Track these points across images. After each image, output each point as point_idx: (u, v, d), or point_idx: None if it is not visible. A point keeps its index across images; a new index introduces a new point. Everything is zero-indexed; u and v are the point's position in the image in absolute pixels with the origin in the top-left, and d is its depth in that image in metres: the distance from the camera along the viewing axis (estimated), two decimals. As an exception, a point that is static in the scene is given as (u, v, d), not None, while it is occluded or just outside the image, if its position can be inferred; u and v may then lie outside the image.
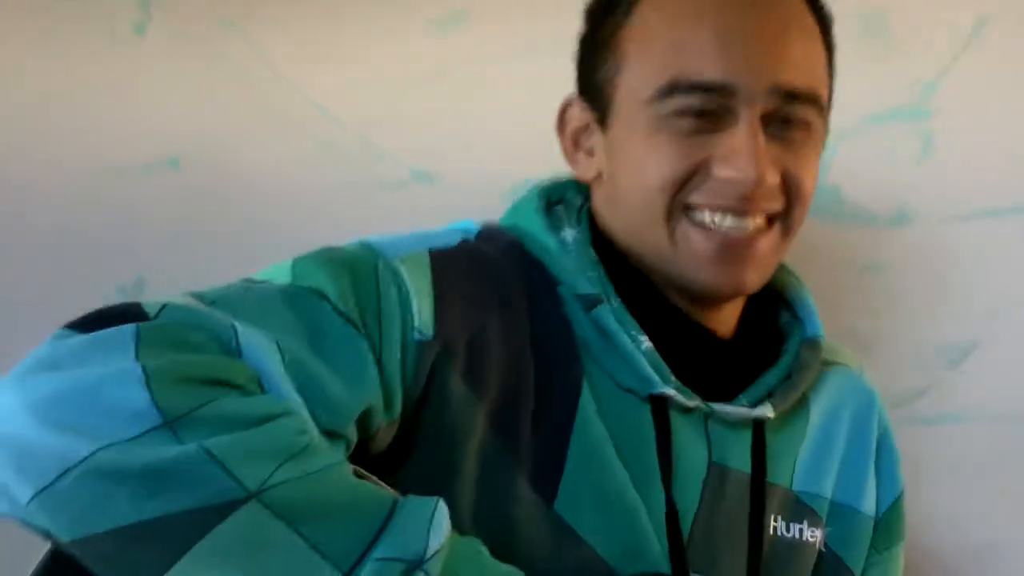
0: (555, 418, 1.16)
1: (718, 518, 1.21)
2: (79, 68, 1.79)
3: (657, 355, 1.20)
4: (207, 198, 1.80)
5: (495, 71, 1.77)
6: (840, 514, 1.31)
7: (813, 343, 1.31)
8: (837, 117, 1.81)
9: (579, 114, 1.27)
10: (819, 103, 1.21)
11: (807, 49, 1.21)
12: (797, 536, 1.26)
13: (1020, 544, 1.80)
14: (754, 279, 1.22)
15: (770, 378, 1.27)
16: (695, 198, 1.18)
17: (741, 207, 1.17)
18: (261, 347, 0.97)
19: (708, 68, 1.16)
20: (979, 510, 1.81)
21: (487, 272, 1.19)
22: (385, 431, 1.08)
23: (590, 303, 1.19)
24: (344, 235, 1.73)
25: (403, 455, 1.10)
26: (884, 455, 1.38)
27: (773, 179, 1.17)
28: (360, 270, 1.10)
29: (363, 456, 1.06)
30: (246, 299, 1.04)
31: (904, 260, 1.83)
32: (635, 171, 1.20)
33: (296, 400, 0.97)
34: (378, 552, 0.90)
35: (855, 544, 1.32)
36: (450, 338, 1.11)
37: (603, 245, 1.25)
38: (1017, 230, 1.81)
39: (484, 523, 1.08)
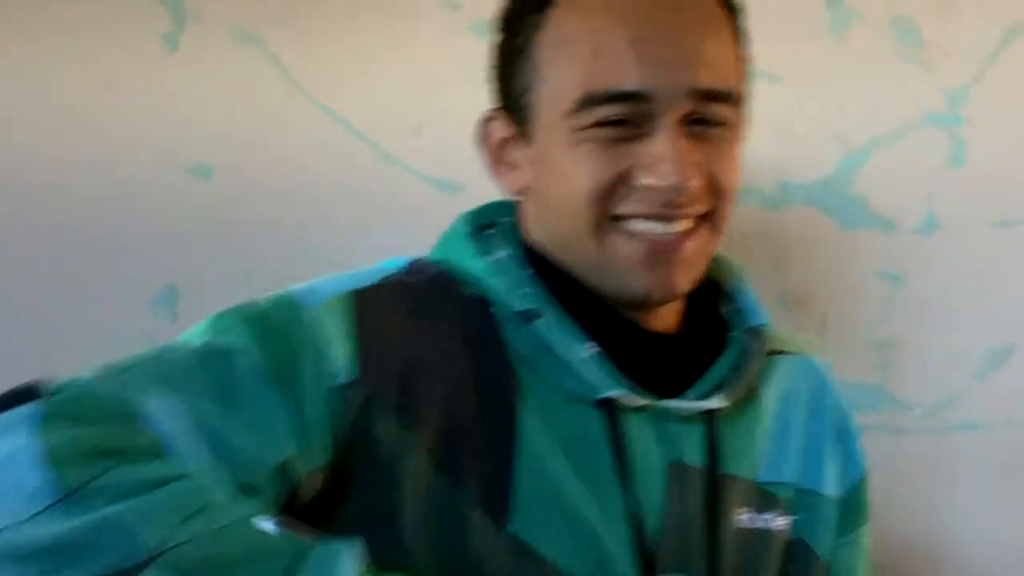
0: (497, 440, 1.15)
1: (687, 516, 1.21)
2: (115, 81, 1.81)
3: (602, 359, 1.19)
4: (236, 207, 1.81)
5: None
6: (804, 500, 1.30)
7: (757, 332, 1.29)
8: (868, 125, 1.84)
9: (500, 127, 1.25)
10: (735, 101, 1.19)
11: (720, 46, 1.19)
12: (765, 527, 1.26)
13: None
14: (684, 281, 1.21)
15: (719, 369, 1.26)
16: (622, 208, 1.16)
17: (667, 213, 1.16)
18: (164, 412, 1.00)
19: (623, 77, 1.14)
20: (1008, 517, 1.80)
21: (415, 306, 1.19)
22: (313, 478, 1.08)
23: (527, 318, 1.20)
24: (367, 245, 1.76)
25: (339, 499, 1.10)
26: (845, 436, 1.37)
27: (697, 183, 1.16)
28: (274, 324, 1.12)
29: (297, 504, 1.08)
30: (157, 365, 1.06)
31: (932, 268, 1.83)
32: (560, 184, 1.19)
33: (203, 460, 0.99)
34: None
35: (820, 528, 1.32)
36: (377, 379, 1.12)
37: (537, 259, 1.24)
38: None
39: (442, 557, 1.11)
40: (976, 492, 1.82)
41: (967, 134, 1.82)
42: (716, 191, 1.19)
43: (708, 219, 1.20)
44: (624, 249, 1.18)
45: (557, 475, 1.16)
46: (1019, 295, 1.81)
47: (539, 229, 1.25)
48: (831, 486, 1.32)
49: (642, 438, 1.20)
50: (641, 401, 1.20)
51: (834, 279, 1.83)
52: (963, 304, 1.82)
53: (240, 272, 1.78)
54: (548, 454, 1.16)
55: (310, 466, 1.07)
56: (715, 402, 1.23)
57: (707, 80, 1.16)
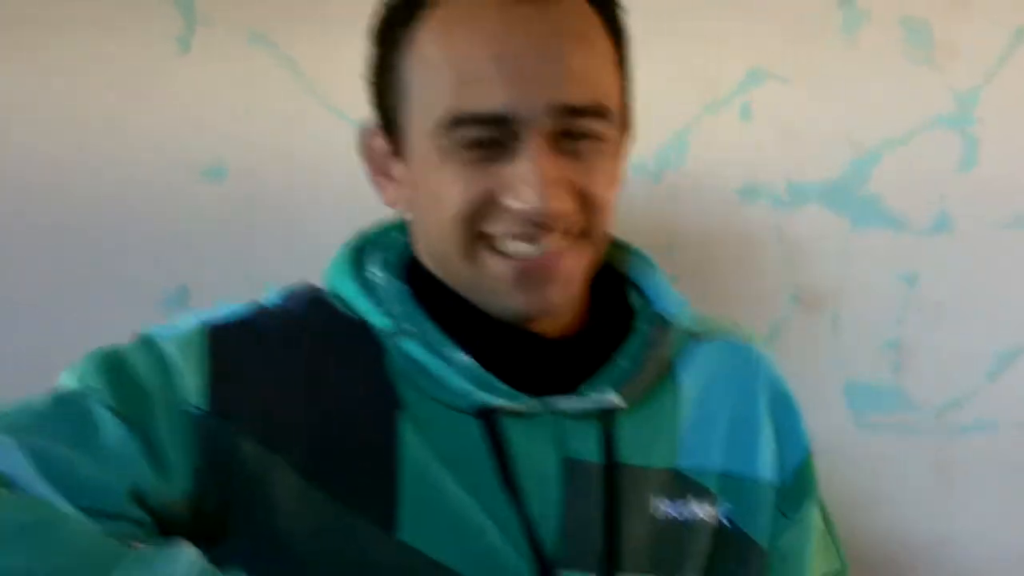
0: (378, 453, 1.18)
1: (588, 513, 1.20)
2: (130, 83, 1.82)
3: (479, 368, 1.19)
4: (249, 209, 1.82)
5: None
6: (735, 486, 1.28)
7: (661, 320, 1.28)
8: (879, 126, 1.84)
9: (378, 141, 1.24)
10: (605, 114, 1.16)
11: (589, 58, 1.16)
12: (685, 515, 1.24)
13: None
14: (559, 298, 1.20)
15: (622, 362, 1.24)
16: (490, 228, 1.16)
17: (534, 234, 1.15)
18: (8, 452, 1.09)
19: (484, 99, 1.13)
20: (1017, 518, 1.81)
21: (283, 332, 1.22)
22: (177, 506, 1.13)
23: (393, 337, 1.21)
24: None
25: (220, 527, 1.14)
26: (782, 417, 1.33)
27: (562, 204, 1.14)
28: (126, 364, 1.17)
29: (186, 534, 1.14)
30: (17, 411, 1.14)
31: (944, 269, 1.83)
32: (431, 203, 1.19)
33: (44, 491, 1.08)
34: None
35: (757, 514, 1.29)
36: (232, 406, 1.16)
37: (420, 273, 1.25)
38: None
39: (337, 568, 1.14)
40: (985, 493, 1.82)
41: (978, 135, 1.82)
42: (588, 206, 1.17)
43: (581, 235, 1.18)
44: (495, 269, 1.17)
45: (440, 484, 1.18)
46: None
47: (420, 243, 1.25)
48: (767, 470, 1.30)
49: (533, 442, 1.20)
50: (527, 406, 1.20)
51: (846, 280, 1.84)
52: (974, 305, 1.83)
53: (252, 274, 1.79)
54: (430, 464, 1.18)
55: (170, 495, 1.12)
56: (607, 399, 1.22)
57: (573, 96, 1.14)
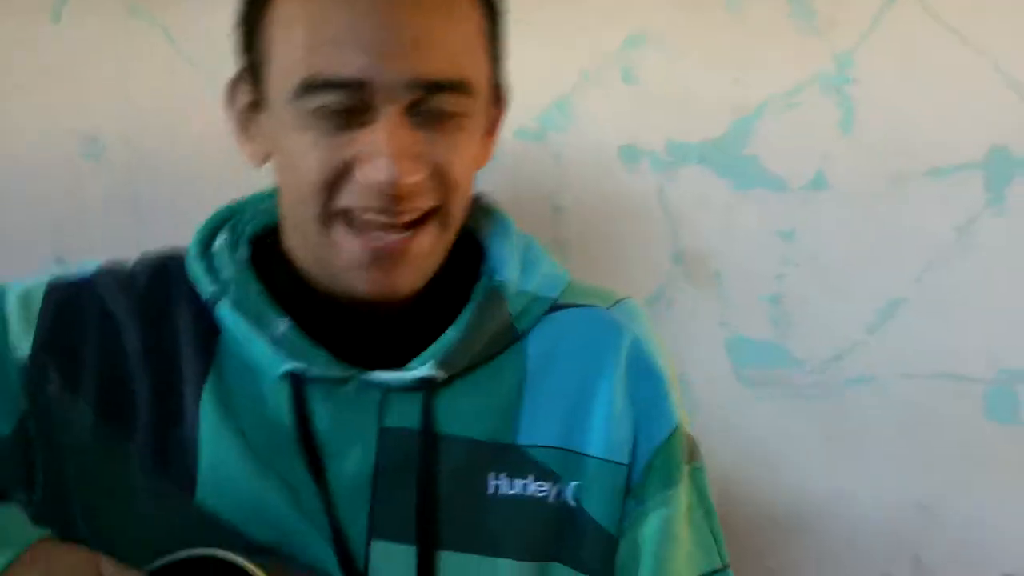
0: (182, 413, 1.19)
1: (400, 481, 1.19)
2: (1, 54, 1.78)
3: (296, 336, 1.19)
4: (128, 179, 1.79)
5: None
6: (581, 465, 1.22)
7: (492, 291, 1.25)
8: (759, 87, 1.86)
9: (245, 92, 1.22)
10: (468, 90, 1.14)
11: (452, 31, 1.14)
12: (520, 492, 1.21)
13: (943, 501, 1.83)
14: (409, 282, 1.18)
15: (451, 333, 1.22)
16: (346, 201, 1.14)
17: (388, 207, 1.13)
18: None
19: (341, 64, 1.10)
20: (903, 471, 1.84)
21: (120, 291, 1.24)
22: (8, 450, 1.17)
23: (212, 302, 1.22)
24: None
25: (46, 474, 1.17)
26: (643, 392, 1.25)
27: (415, 177, 1.12)
28: None
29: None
30: None
31: (823, 226, 1.86)
32: (288, 169, 1.17)
33: None
34: None
35: (603, 496, 1.22)
36: (55, 361, 1.19)
37: (268, 240, 1.26)
38: (934, 195, 1.84)
39: (135, 523, 1.16)
40: (874, 445, 1.85)
41: (856, 95, 1.85)
42: (443, 184, 1.15)
43: (436, 214, 1.17)
44: (348, 247, 1.15)
45: (238, 450, 1.18)
46: (907, 250, 1.84)
47: (280, 205, 1.24)
48: (619, 451, 1.23)
49: (347, 410, 1.20)
50: (337, 374, 1.19)
51: (727, 238, 1.86)
52: (854, 260, 1.85)
53: (133, 244, 1.76)
54: (230, 432, 1.18)
55: None
56: (425, 371, 1.20)
57: (432, 70, 1.11)
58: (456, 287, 1.25)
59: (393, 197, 1.12)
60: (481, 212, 1.31)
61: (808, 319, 1.85)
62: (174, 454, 1.18)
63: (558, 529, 1.21)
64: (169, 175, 1.80)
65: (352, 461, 1.19)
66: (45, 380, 1.19)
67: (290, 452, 1.18)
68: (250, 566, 1.09)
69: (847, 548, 1.82)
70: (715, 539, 1.28)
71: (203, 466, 1.18)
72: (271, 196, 1.31)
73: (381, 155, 1.11)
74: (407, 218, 1.14)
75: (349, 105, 1.11)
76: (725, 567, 1.28)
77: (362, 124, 1.12)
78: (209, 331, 1.22)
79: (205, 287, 1.23)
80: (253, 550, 1.13)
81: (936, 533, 1.83)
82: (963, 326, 1.84)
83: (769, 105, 1.85)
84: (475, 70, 1.15)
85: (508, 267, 1.26)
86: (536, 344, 1.26)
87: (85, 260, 1.25)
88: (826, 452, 1.82)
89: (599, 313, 1.28)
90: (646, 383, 1.25)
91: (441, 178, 1.15)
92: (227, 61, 1.69)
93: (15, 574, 1.06)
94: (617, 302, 1.29)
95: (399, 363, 1.21)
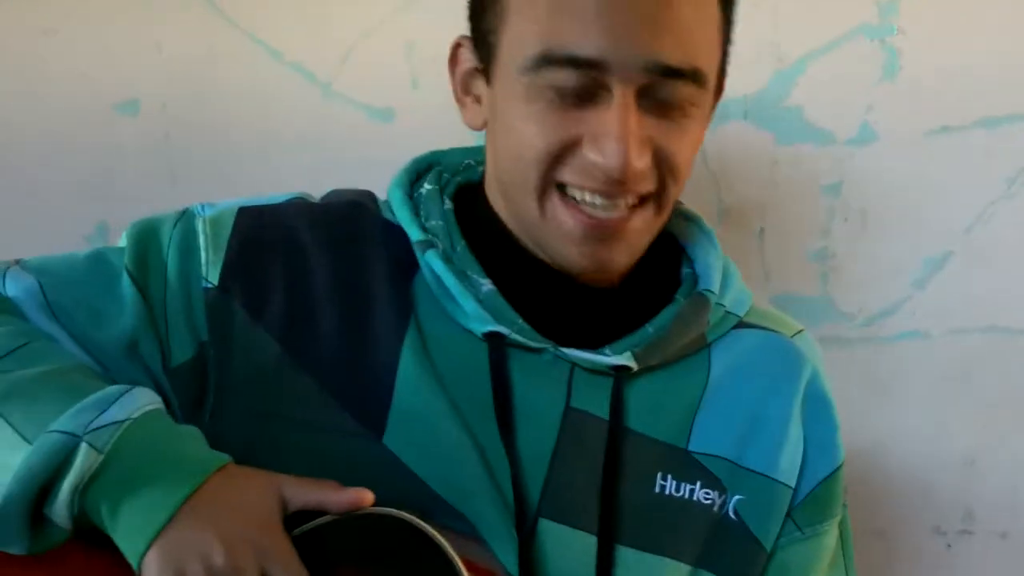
0: (381, 356, 1.20)
1: (579, 466, 1.20)
2: (30, 16, 1.77)
3: (499, 298, 1.20)
4: (166, 141, 1.78)
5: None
6: (746, 480, 1.25)
7: (699, 298, 1.26)
8: (801, 38, 1.83)
9: (468, 57, 1.23)
10: (701, 79, 1.14)
11: (694, 19, 1.13)
12: (687, 496, 1.22)
13: (992, 455, 1.81)
14: (622, 260, 1.20)
15: (649, 329, 1.24)
16: (566, 176, 1.15)
17: (610, 190, 1.14)
18: (23, 287, 1.18)
19: (581, 41, 1.10)
20: (949, 426, 1.83)
21: (313, 224, 1.25)
22: (177, 372, 1.18)
23: (422, 248, 1.22)
24: (300, 174, 1.74)
25: (220, 404, 1.19)
26: (816, 424, 1.30)
27: (642, 163, 1.13)
28: (157, 233, 1.23)
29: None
30: (55, 258, 1.23)
31: (869, 179, 1.83)
32: (510, 138, 1.17)
33: (44, 323, 1.17)
34: (54, 425, 1.05)
35: (764, 512, 1.26)
36: (247, 290, 1.20)
37: (477, 196, 1.27)
38: (983, 146, 1.80)
39: (316, 458, 1.16)
40: (919, 401, 1.83)
41: (900, 44, 1.81)
42: (665, 170, 1.16)
43: (653, 198, 1.18)
44: (565, 220, 1.16)
45: (433, 402, 1.18)
46: (956, 202, 1.82)
47: (490, 170, 1.25)
48: (785, 473, 1.27)
49: (539, 382, 1.21)
50: (535, 344, 1.20)
51: (771, 193, 1.83)
52: (901, 213, 1.82)
53: (171, 205, 1.76)
54: (428, 381, 1.18)
55: (168, 362, 1.18)
56: (621, 359, 1.21)
57: (670, 56, 1.11)
58: (656, 283, 1.27)
59: (618, 181, 1.13)
60: (681, 216, 1.32)
61: (855, 274, 1.83)
62: (363, 393, 1.19)
63: (715, 538, 1.24)
64: (206, 134, 1.79)
65: (536, 434, 1.20)
66: (230, 309, 1.20)
67: (484, 413, 1.19)
68: (441, 539, 1.09)
69: (896, 502, 1.81)
70: (847, 565, 1.35)
71: (396, 410, 1.18)
72: (472, 152, 1.32)
73: (611, 137, 1.11)
74: (627, 201, 1.15)
75: (582, 83, 1.11)
76: None
77: (591, 102, 1.12)
78: (406, 276, 1.23)
79: (414, 233, 1.23)
80: (428, 503, 1.15)
81: (984, 486, 1.82)
82: (1013, 278, 1.82)
83: (811, 57, 1.82)
84: (709, 59, 1.15)
85: (714, 278, 1.28)
86: (721, 357, 1.28)
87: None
88: (874, 406, 1.82)
89: (784, 340, 1.32)
90: (821, 416, 1.30)
91: (664, 164, 1.15)
92: (264, 19, 1.69)
93: (201, 500, 1.06)
94: (798, 332, 1.34)
95: (589, 345, 1.22)
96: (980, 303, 1.82)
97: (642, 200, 1.17)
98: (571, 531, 1.18)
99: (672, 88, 1.13)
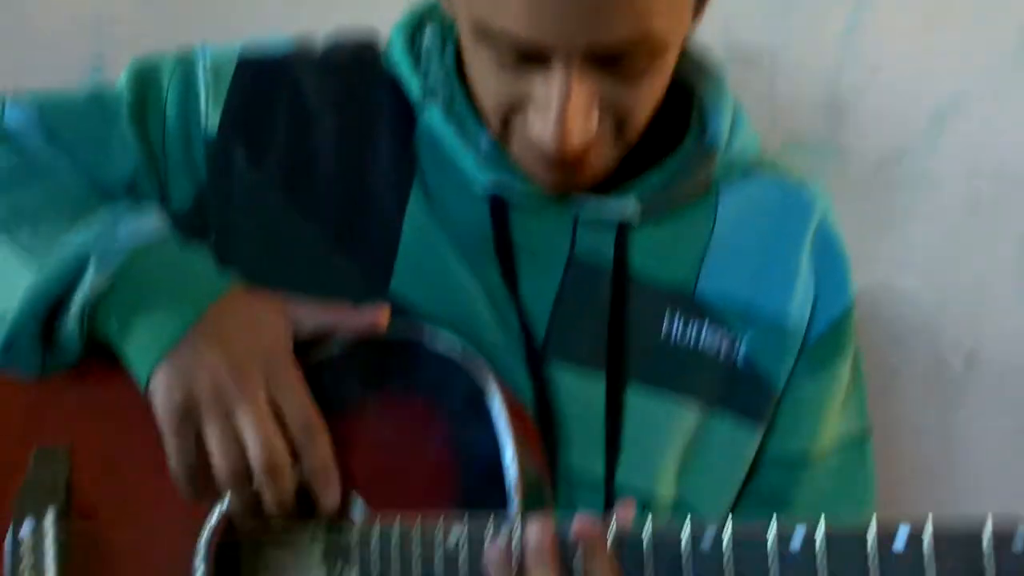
0: (387, 205, 1.20)
1: (585, 310, 1.21)
2: None
3: (499, 152, 1.19)
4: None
5: None
6: (757, 321, 1.25)
7: (707, 146, 1.25)
8: None
9: None
10: (656, 46, 1.09)
11: None
12: (694, 342, 1.23)
13: (1000, 289, 1.81)
14: (590, 182, 1.19)
15: (655, 177, 1.23)
16: (519, 129, 1.15)
17: (555, 160, 1.14)
18: (24, 116, 1.20)
19: (512, 24, 1.05)
20: (960, 265, 1.82)
21: (316, 72, 1.25)
22: (184, 223, 1.19)
23: (422, 101, 1.22)
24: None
25: (220, 251, 1.18)
26: (827, 266, 1.30)
27: (586, 134, 1.10)
28: (157, 75, 1.24)
29: None
30: (57, 93, 1.24)
31: (880, 22, 1.79)
32: (471, 66, 1.17)
33: (45, 151, 1.18)
34: (64, 243, 1.07)
35: (775, 357, 1.26)
36: (247, 137, 1.21)
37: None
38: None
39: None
40: (927, 245, 1.82)
41: None
42: (622, 129, 1.15)
43: (615, 135, 1.16)
44: (527, 153, 1.15)
45: (439, 250, 1.19)
46: (969, 44, 1.78)
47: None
48: (796, 315, 1.27)
49: (542, 231, 1.21)
50: (536, 194, 1.20)
51: (782, 35, 1.80)
52: (913, 56, 1.80)
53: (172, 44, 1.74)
54: (433, 230, 1.19)
55: (168, 202, 1.20)
56: (626, 208, 1.21)
57: (615, 30, 1.05)
58: (662, 130, 1.25)
59: (558, 155, 1.11)
60: (694, 63, 1.29)
61: (865, 118, 1.81)
62: (368, 239, 1.20)
63: (726, 381, 1.24)
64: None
65: (538, 280, 1.21)
66: (230, 156, 1.20)
67: (487, 261, 1.20)
68: (467, 362, 1.10)
69: (903, 340, 1.81)
70: (861, 409, 1.35)
71: (402, 256, 1.19)
72: None
73: (550, 114, 1.08)
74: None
75: (523, 52, 1.08)
76: (866, 433, 1.34)
77: (539, 62, 1.09)
78: (409, 128, 1.23)
79: (413, 87, 1.23)
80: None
81: (992, 321, 1.82)
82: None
83: None
84: (668, 15, 1.09)
85: (722, 125, 1.26)
86: (728, 203, 1.28)
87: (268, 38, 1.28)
88: (882, 248, 1.81)
89: (792, 185, 1.32)
90: (831, 259, 1.31)
91: (620, 124, 1.14)
92: None
93: (210, 321, 1.08)
94: (805, 178, 1.35)
95: (596, 194, 1.21)
96: (992, 148, 1.80)
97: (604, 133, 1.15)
98: (580, 371, 1.19)
99: (623, 56, 1.09)
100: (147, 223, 1.12)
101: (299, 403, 1.08)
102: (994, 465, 1.81)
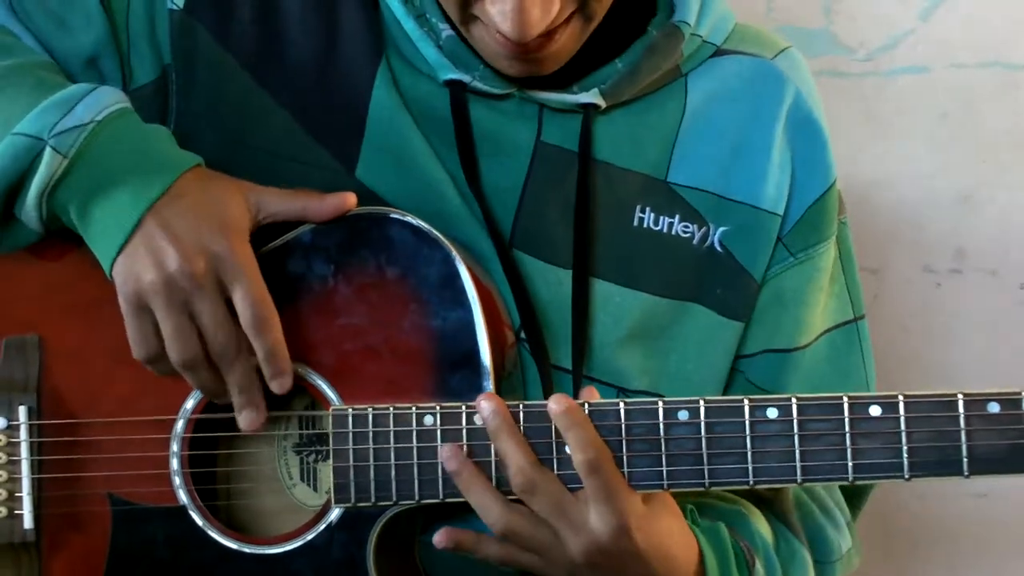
0: (352, 88, 1.19)
1: (551, 198, 1.19)
2: None
3: (459, 43, 1.18)
4: None
5: None
6: (733, 211, 1.23)
7: (673, 29, 1.21)
8: None
9: None
10: None
11: None
12: (666, 229, 1.21)
13: (987, 192, 1.80)
14: (554, 67, 1.16)
15: (619, 64, 1.21)
16: (479, 14, 1.11)
17: (517, 47, 1.11)
18: None
19: None
20: (944, 161, 1.81)
21: None
22: (147, 99, 1.18)
23: None
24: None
25: (183, 131, 1.17)
26: (803, 145, 1.26)
27: (542, 26, 1.07)
28: None
29: None
30: None
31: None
32: None
33: (5, 19, 1.16)
34: (19, 128, 1.04)
35: (752, 244, 1.23)
36: (201, 11, 1.18)
37: None
38: None
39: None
40: (916, 136, 1.81)
41: None
42: (582, 6, 1.11)
43: (579, 13, 1.13)
44: (488, 43, 1.13)
45: (403, 136, 1.18)
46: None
47: None
48: (773, 200, 1.24)
49: (505, 121, 1.20)
50: (498, 90, 1.19)
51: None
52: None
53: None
54: (397, 117, 1.18)
55: (129, 78, 1.18)
56: (589, 97, 1.19)
57: None
58: (627, 14, 1.22)
59: (519, 43, 1.09)
60: None
61: (859, 6, 1.78)
62: (334, 125, 1.18)
63: (700, 272, 1.22)
64: None
65: (505, 169, 1.19)
66: (195, 31, 1.18)
67: (450, 155, 1.18)
68: (438, 235, 1.11)
69: (888, 240, 1.80)
70: (852, 291, 1.31)
71: (368, 143, 1.17)
72: None
73: (507, 1, 1.05)
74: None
75: None
76: (858, 317, 1.30)
77: None
78: (371, 15, 1.21)
79: None
80: None
81: (978, 224, 1.81)
82: (1017, 12, 1.77)
83: None
84: None
85: (690, 6, 1.22)
86: (698, 87, 1.24)
87: None
88: (871, 140, 1.79)
89: (764, 63, 1.27)
90: (807, 136, 1.26)
91: (583, 4, 1.11)
92: None
93: (165, 203, 1.06)
94: (782, 51, 1.29)
95: (560, 84, 1.19)
96: (983, 38, 1.78)
97: (568, 19, 1.12)
98: (545, 265, 1.19)
99: None
100: (108, 96, 1.09)
101: (249, 290, 1.06)
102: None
